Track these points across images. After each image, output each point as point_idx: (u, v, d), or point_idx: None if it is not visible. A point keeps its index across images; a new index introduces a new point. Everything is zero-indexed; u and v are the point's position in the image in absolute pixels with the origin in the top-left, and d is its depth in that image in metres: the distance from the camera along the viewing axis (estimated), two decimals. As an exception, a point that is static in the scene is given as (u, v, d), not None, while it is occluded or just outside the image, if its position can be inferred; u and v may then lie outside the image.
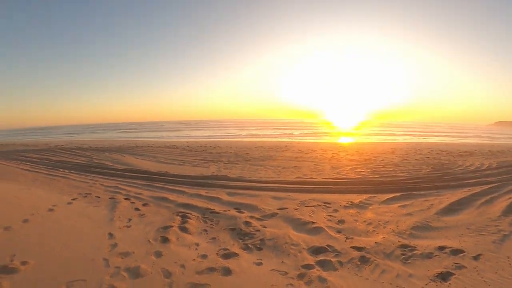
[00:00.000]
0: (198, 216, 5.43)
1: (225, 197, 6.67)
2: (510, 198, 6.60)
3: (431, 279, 3.31)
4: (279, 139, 27.13)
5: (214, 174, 9.60)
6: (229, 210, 5.74)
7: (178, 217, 5.35)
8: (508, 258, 3.80)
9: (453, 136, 37.75)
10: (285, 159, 12.86)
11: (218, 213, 5.57)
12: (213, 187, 7.77)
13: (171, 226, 4.86)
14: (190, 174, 9.63)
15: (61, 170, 10.31)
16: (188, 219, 5.21)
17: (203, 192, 7.17)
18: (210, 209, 5.81)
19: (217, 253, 3.95)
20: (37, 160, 12.98)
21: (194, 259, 3.75)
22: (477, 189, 7.37)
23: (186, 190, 7.40)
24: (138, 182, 8.40)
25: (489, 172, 10.07)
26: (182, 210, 5.78)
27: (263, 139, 27.39)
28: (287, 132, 38.96)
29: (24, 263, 3.48)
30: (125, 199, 6.55)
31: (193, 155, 14.85)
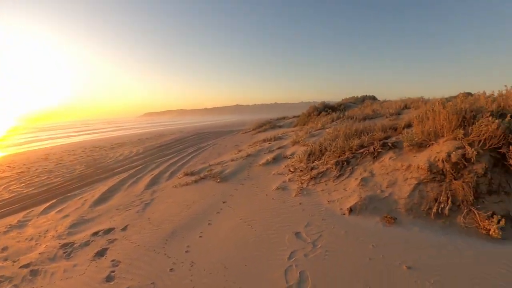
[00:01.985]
0: None
1: None
2: (152, 174, 8.44)
3: (91, 260, 4.00)
4: None
5: None
6: None
7: None
8: (148, 219, 5.18)
9: (108, 131, 40.23)
10: None
11: None
12: None
13: None
14: None
15: None
16: None
17: None
18: None
19: None
20: None
21: None
22: (125, 175, 8.81)
23: None
24: None
25: (136, 157, 12.10)
26: None
27: None
28: None
29: None
30: None
31: None
